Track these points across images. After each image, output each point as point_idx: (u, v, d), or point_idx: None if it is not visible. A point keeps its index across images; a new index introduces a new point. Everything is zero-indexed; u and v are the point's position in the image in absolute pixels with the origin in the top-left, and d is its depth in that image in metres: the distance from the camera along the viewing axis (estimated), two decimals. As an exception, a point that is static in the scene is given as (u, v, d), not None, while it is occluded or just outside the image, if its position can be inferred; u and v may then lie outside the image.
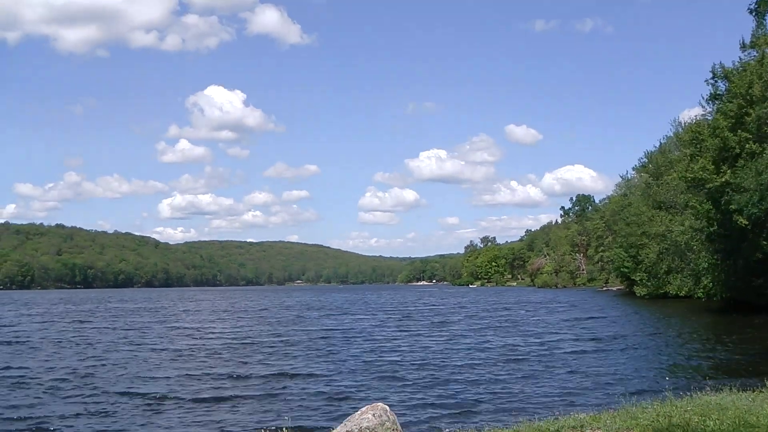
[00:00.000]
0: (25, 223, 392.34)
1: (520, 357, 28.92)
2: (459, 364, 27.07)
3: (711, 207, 48.36)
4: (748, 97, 45.28)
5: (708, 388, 16.49)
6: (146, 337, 40.31)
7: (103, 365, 27.81)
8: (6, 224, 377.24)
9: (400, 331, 44.18)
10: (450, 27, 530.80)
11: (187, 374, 25.08)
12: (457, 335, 39.67)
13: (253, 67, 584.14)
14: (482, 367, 26.17)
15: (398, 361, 28.24)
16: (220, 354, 31.66)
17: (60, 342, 37.55)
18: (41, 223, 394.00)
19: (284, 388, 22.30)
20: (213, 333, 44.03)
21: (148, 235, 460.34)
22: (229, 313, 69.79)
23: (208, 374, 25.03)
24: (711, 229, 50.35)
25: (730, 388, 15.89)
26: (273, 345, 35.18)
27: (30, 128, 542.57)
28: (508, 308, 72.87)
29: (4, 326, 50.99)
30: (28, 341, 38.06)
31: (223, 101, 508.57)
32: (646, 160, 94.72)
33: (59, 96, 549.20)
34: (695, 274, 61.70)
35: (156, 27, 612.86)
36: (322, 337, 39.18)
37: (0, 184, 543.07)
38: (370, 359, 28.84)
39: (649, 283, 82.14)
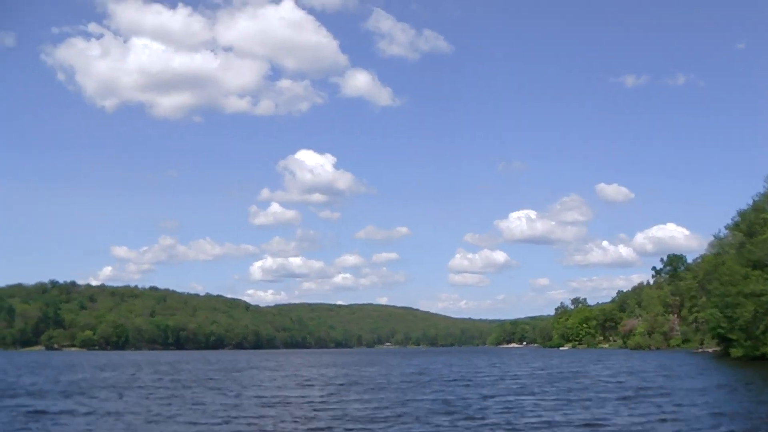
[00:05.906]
0: (120, 285, 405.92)
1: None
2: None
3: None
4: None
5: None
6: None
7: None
8: (102, 286, 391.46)
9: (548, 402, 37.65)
10: (539, 85, 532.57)
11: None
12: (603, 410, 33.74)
13: (344, 131, 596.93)
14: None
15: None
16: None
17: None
18: (136, 286, 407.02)
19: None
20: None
21: (239, 297, 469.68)
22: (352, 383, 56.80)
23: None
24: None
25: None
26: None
27: (126, 193, 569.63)
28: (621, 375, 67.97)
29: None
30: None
31: (314, 164, 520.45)
32: (739, 219, 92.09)
33: (155, 161, 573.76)
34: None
35: (249, 92, 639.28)
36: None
37: (98, 247, 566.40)
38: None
39: (746, 344, 79.11)
